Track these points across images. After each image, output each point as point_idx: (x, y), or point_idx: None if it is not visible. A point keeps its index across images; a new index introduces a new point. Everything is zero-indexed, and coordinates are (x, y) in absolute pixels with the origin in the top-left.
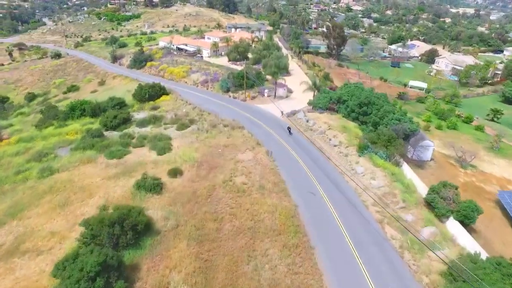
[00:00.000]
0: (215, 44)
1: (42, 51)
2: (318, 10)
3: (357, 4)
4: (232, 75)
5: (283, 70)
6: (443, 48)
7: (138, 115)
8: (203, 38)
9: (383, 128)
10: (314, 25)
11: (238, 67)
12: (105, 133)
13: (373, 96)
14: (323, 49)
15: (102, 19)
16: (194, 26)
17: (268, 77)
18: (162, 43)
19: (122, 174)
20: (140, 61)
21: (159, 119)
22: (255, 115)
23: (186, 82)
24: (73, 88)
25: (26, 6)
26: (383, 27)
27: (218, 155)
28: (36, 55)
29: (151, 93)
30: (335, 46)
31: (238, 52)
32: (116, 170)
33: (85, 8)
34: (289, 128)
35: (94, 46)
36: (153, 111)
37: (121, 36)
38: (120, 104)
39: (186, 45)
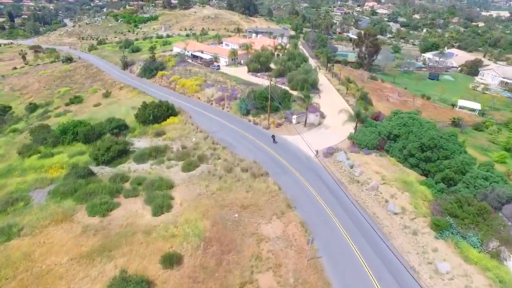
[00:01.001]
0: (233, 52)
1: (54, 54)
2: (341, 13)
3: (382, 7)
4: (253, 95)
5: (312, 86)
6: (484, 57)
7: (139, 143)
8: (221, 43)
9: (462, 189)
10: (338, 30)
11: (259, 80)
12: (96, 168)
13: (439, 137)
14: (351, 57)
15: (119, 20)
16: (213, 30)
17: (294, 92)
18: (176, 49)
19: (100, 251)
20: (150, 70)
21: (163, 152)
22: (282, 153)
23: (199, 98)
24: (76, 100)
25: (51, 7)
26: (413, 32)
27: (234, 225)
28: (48, 58)
29: (156, 114)
30: (366, 56)
31: (260, 62)
32: (93, 242)
33: (105, 9)
34: (273, 137)
35: (108, 49)
36: (157, 138)
37: (136, 39)
38: (120, 127)
39: (202, 52)
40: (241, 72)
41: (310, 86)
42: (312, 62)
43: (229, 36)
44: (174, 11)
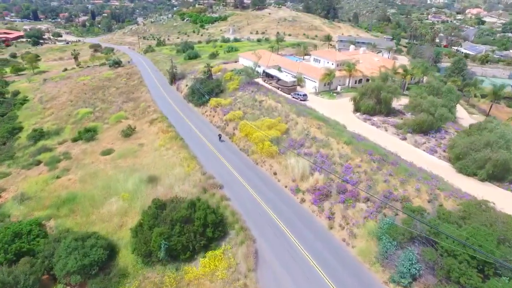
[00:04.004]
0: (329, 74)
1: (105, 56)
2: (437, 21)
3: (491, 15)
4: (409, 222)
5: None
6: None
7: None
8: (307, 56)
9: None
10: (443, 43)
11: (383, 134)
12: None
13: None
14: (488, 84)
15: (185, 20)
16: (289, 35)
17: (470, 181)
18: (242, 61)
19: None
20: (201, 94)
21: None
22: None
23: (275, 175)
24: (86, 135)
25: (132, 6)
26: None
27: None
28: (98, 61)
29: (176, 243)
30: None
31: (379, 100)
32: None
33: (176, 8)
34: (220, 136)
35: (164, 52)
36: None
37: (199, 42)
38: (92, 266)
39: (279, 69)
40: (343, 110)
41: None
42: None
43: (315, 46)
44: (245, 12)
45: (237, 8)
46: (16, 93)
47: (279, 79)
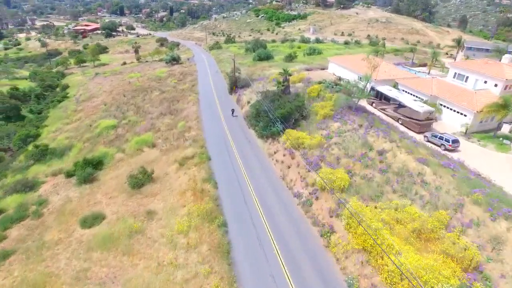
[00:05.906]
0: (505, 106)
1: (167, 51)
2: None
3: None
4: None
5: None
6: None
7: None
8: (433, 68)
9: None
10: None
11: None
12: None
13: None
14: None
15: (260, 17)
16: (383, 38)
17: None
18: (334, 68)
19: None
20: (269, 121)
21: None
22: None
23: None
24: (81, 173)
25: (209, 4)
26: None
27: None
28: (158, 55)
29: None
30: None
31: None
32: None
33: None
34: (233, 110)
35: (232, 50)
36: None
37: (273, 41)
38: None
39: (397, 87)
40: None
41: None
42: None
43: (434, 54)
44: (328, 11)
45: (319, 7)
46: (65, 87)
47: (400, 105)
